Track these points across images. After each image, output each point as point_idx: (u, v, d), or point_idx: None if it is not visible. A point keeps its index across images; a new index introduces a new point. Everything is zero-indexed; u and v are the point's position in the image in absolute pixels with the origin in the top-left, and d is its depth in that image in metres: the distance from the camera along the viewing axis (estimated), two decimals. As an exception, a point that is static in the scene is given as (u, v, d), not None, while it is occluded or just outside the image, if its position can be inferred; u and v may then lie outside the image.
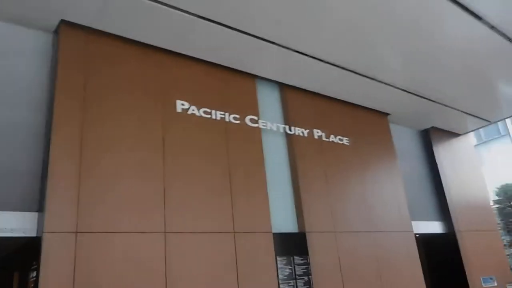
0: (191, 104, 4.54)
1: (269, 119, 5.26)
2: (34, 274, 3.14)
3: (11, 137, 3.49)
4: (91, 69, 3.96)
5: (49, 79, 3.87)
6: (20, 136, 3.54)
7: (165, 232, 3.82)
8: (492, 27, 4.82)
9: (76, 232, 3.33)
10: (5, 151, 3.42)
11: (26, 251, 3.47)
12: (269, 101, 5.44)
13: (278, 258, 4.50)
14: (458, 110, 7.22)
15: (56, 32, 3.98)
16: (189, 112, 4.50)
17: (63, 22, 3.90)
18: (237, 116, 4.89)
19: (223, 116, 4.77)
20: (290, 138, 5.37)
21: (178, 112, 4.41)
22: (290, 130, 5.39)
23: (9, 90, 3.63)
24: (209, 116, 4.65)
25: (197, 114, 4.56)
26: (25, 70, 3.78)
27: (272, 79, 5.45)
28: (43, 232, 3.18)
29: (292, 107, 5.55)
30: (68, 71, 3.81)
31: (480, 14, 4.56)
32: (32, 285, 3.15)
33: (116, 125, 3.92)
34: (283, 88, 5.61)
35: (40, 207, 3.39)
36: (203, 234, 4.08)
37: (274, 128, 5.26)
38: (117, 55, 4.19)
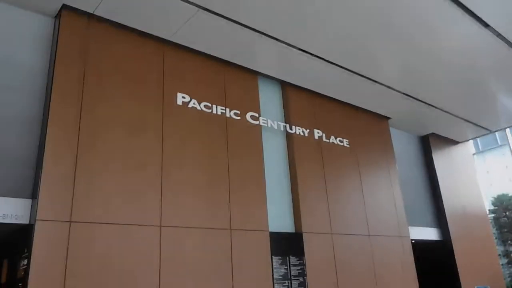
0: (192, 97, 4.46)
1: (270, 116, 5.20)
2: (25, 262, 3.05)
3: (7, 122, 3.40)
4: (91, 55, 3.87)
5: (48, 65, 3.78)
6: (16, 122, 3.45)
7: (160, 226, 3.74)
8: (499, 35, 4.79)
9: (70, 222, 3.24)
10: (0, 136, 3.33)
11: (18, 238, 3.38)
12: (270, 98, 5.38)
13: (274, 258, 4.43)
14: (459, 117, 7.19)
15: (57, 17, 3.89)
16: (190, 105, 4.43)
17: (64, 7, 3.82)
18: (238, 112, 4.83)
19: (223, 111, 4.70)
20: (290, 137, 5.31)
21: (179, 105, 4.34)
22: (291, 129, 5.33)
23: (8, 75, 3.53)
24: (209, 110, 4.58)
25: (198, 108, 4.49)
26: (24, 55, 3.69)
27: (274, 76, 5.39)
28: (36, 219, 3.09)
29: (293, 106, 5.49)
30: (68, 57, 3.72)
31: (487, 21, 4.52)
32: (23, 273, 3.06)
33: (115, 114, 3.83)
34: (285, 86, 5.55)
35: (34, 194, 3.30)
36: (199, 230, 4.00)
37: (275, 126, 5.20)
38: (118, 43, 4.11)
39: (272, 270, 4.38)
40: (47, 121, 3.42)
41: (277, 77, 5.41)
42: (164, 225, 3.76)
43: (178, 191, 3.99)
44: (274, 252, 4.46)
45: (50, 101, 3.49)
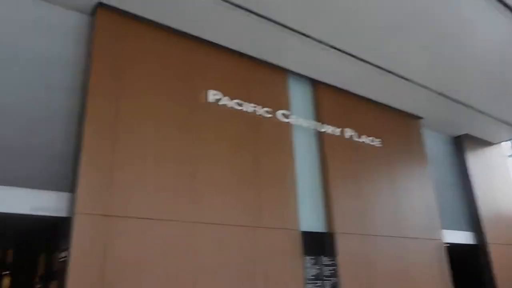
0: (223, 94, 4.45)
1: (301, 115, 5.13)
2: (64, 254, 3.08)
3: (46, 117, 3.45)
4: (125, 52, 3.91)
5: (84, 61, 3.83)
6: (55, 117, 3.50)
7: (194, 222, 3.73)
8: (540, 30, 4.60)
9: (107, 216, 3.26)
10: (40, 131, 3.38)
11: (55, 232, 3.42)
12: (300, 96, 5.31)
13: (306, 258, 4.35)
14: (494, 117, 6.95)
15: (93, 14, 3.95)
16: (221, 102, 4.41)
17: (100, 4, 3.87)
18: (269, 109, 4.78)
19: (254, 108, 4.67)
20: (321, 136, 5.22)
21: (210, 102, 4.33)
22: (322, 127, 5.24)
23: (44, 71, 3.59)
24: (240, 108, 4.55)
25: (229, 105, 4.47)
26: (61, 51, 3.74)
27: (304, 74, 5.32)
28: (74, 213, 3.12)
29: (324, 104, 5.41)
30: (103, 54, 3.76)
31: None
32: (60, 266, 3.08)
33: (149, 111, 3.85)
34: (316, 84, 5.47)
35: (72, 188, 3.33)
36: (232, 227, 3.97)
37: (305, 125, 5.13)
38: (151, 40, 4.13)
39: (304, 270, 4.30)
40: (84, 116, 3.47)
41: (307, 75, 5.34)
42: (197, 221, 3.75)
43: (211, 188, 3.98)
44: (306, 251, 4.38)
45: (86, 97, 3.54)
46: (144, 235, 3.41)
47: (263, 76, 4.93)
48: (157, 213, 3.55)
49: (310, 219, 4.69)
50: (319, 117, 5.31)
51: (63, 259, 3.08)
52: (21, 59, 3.51)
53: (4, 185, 3.05)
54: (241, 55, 4.77)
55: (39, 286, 3.70)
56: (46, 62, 3.62)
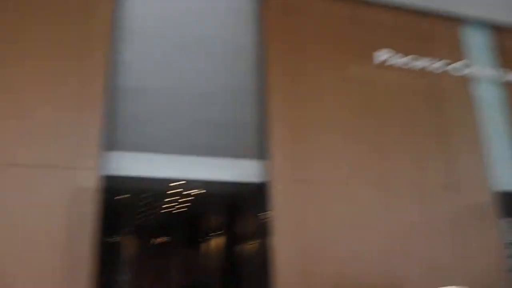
0: (391, 53, 4.25)
1: (480, 65, 4.59)
2: (265, 216, 3.40)
3: (233, 92, 3.79)
4: (295, 24, 4.04)
5: (257, 39, 4.05)
6: (240, 91, 3.82)
7: (379, 185, 3.72)
8: None
9: (299, 180, 3.49)
10: (233, 108, 3.75)
11: (256, 196, 3.75)
12: (479, 45, 4.73)
13: (505, 219, 3.93)
14: None
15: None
16: (390, 62, 4.23)
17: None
18: (443, 63, 4.40)
19: (427, 64, 4.35)
20: (508, 85, 4.59)
21: (378, 64, 4.19)
22: (508, 75, 4.60)
23: (226, 52, 3.93)
24: (411, 65, 4.29)
25: (398, 64, 4.25)
26: (238, 33, 4.03)
27: (482, 18, 4.70)
28: (271, 179, 3.43)
29: (508, 50, 4.73)
30: (274, 30, 3.95)
31: None
32: (263, 226, 3.40)
33: (321, 77, 3.93)
34: (496, 28, 4.80)
35: (268, 156, 3.57)
36: (418, 191, 3.84)
37: (487, 75, 4.57)
38: (318, 10, 4.18)
39: (503, 232, 3.90)
40: (266, 89, 3.73)
41: (485, 18, 4.70)
42: (382, 184, 3.73)
43: (392, 152, 3.91)
44: (505, 213, 3.95)
45: (267, 72, 3.79)
46: (331, 199, 3.55)
47: (436, 28, 4.56)
48: (342, 178, 3.66)
49: (506, 178, 4.21)
50: (504, 64, 4.66)
51: (264, 220, 3.41)
52: (206, 44, 3.90)
53: (211, 156, 3.50)
54: (409, 9, 4.48)
55: (245, 245, 4.16)
56: (227, 44, 3.96)
